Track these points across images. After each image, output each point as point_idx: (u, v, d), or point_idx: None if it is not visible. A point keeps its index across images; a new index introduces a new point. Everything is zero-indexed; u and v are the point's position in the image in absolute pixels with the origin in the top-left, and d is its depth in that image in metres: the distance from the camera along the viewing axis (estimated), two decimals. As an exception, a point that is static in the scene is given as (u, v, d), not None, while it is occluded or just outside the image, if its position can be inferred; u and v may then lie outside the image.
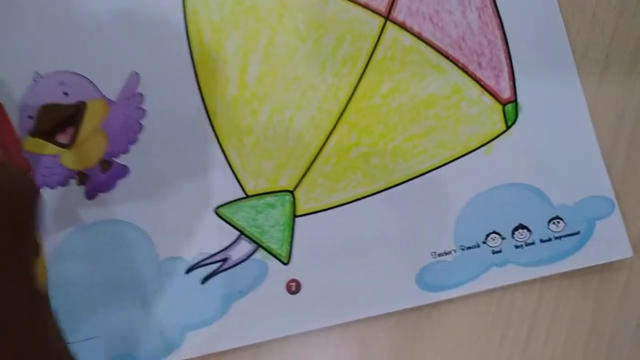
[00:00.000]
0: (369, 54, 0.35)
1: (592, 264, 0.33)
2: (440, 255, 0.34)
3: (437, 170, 0.34)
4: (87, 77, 0.34)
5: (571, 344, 0.34)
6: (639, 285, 0.34)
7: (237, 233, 0.34)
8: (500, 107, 0.34)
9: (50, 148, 0.34)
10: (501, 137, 0.34)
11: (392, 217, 0.34)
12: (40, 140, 0.34)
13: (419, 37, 0.35)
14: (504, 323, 0.34)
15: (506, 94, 0.35)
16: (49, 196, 0.34)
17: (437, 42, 0.35)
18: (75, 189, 0.34)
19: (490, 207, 0.34)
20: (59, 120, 0.34)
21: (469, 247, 0.34)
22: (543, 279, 0.34)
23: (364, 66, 0.35)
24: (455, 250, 0.34)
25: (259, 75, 0.35)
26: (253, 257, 0.34)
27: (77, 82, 0.35)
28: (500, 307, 0.34)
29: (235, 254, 0.34)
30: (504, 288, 0.34)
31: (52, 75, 0.35)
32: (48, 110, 0.34)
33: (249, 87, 0.35)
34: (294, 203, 0.34)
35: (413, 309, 0.34)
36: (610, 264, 0.34)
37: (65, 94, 0.34)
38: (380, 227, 0.34)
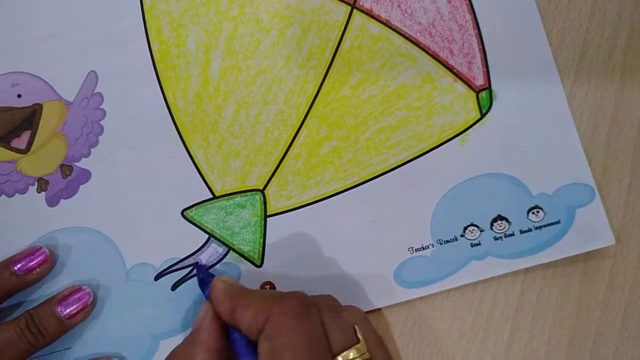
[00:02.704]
0: (336, 44, 0.34)
1: (574, 253, 0.33)
2: (417, 250, 0.33)
3: (411, 163, 0.33)
4: (42, 77, 0.33)
5: (555, 342, 0.33)
6: (624, 276, 0.33)
7: (206, 236, 0.33)
8: (474, 94, 0.34)
9: (6, 154, 0.33)
10: (476, 125, 0.33)
11: (367, 213, 0.33)
12: (-6, 147, 0.33)
13: (387, 24, 0.34)
14: (486, 321, 0.33)
15: (479, 81, 0.34)
16: (7, 205, 0.33)
17: (406, 30, 0.34)
18: (36, 197, 0.33)
19: (467, 198, 0.33)
20: (14, 124, 0.33)
21: (447, 241, 0.33)
22: (525, 275, 0.33)
23: (331, 57, 0.33)
24: (432, 245, 0.33)
25: (222, 69, 0.33)
26: (224, 260, 0.33)
27: (31, 83, 0.33)
28: (482, 304, 0.33)
29: (205, 258, 0.33)
30: (485, 285, 0.33)
31: (3, 76, 0.33)
32: (1, 114, 0.33)
33: (212, 82, 0.33)
34: (264, 202, 0.33)
35: (392, 307, 0.33)
36: (594, 255, 0.33)
37: (19, 96, 0.33)
38: (355, 224, 0.33)
